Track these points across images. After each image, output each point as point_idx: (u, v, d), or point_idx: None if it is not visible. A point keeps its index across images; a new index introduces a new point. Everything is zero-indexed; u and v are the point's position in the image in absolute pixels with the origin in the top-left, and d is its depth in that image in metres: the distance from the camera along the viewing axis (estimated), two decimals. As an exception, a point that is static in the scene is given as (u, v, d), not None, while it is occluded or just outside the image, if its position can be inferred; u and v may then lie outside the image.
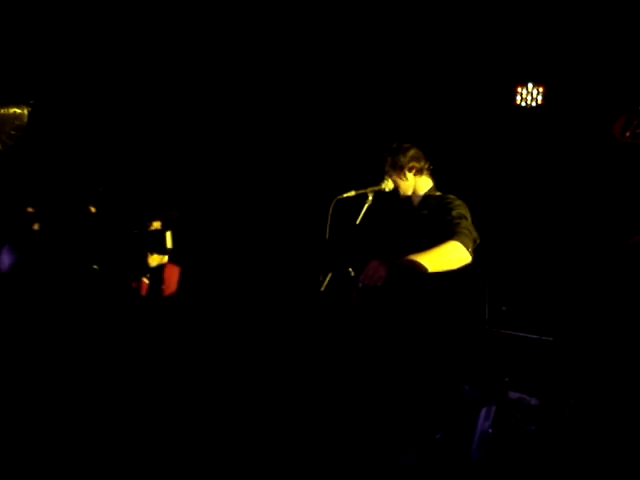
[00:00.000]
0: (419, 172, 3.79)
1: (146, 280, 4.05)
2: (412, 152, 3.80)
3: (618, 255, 5.22)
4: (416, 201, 3.80)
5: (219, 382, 3.39)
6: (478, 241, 3.44)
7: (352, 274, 3.49)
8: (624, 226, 5.83)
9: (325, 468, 3.18)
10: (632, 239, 4.52)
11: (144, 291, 4.08)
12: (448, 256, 3.28)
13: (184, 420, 3.18)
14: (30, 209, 3.46)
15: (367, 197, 3.72)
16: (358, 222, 3.68)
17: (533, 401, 4.27)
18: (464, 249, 3.29)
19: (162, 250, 3.46)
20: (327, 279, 3.52)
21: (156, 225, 3.70)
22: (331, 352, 3.43)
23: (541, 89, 6.31)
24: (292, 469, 3.14)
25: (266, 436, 3.20)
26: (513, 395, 4.36)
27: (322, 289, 3.50)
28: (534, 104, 6.31)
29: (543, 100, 6.33)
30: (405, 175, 3.76)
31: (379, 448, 3.25)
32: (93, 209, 3.50)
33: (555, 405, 4.30)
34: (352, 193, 3.66)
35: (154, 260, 3.96)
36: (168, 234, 3.42)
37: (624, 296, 4.99)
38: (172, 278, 4.34)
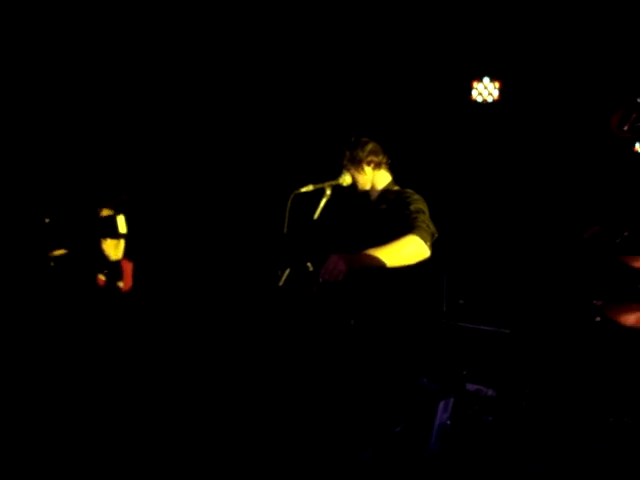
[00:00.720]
0: (377, 166, 3.79)
1: (102, 277, 3.97)
2: (370, 146, 3.80)
3: (572, 248, 5.30)
4: (374, 195, 3.81)
5: (177, 375, 3.36)
6: (436, 235, 3.46)
7: (311, 269, 3.48)
8: (579, 219, 5.94)
9: (285, 461, 3.18)
10: (586, 232, 4.59)
11: (102, 287, 4.00)
12: (406, 250, 3.30)
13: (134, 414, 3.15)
14: None
15: (325, 191, 3.71)
16: (316, 217, 3.67)
17: (490, 392, 4.31)
18: (422, 243, 3.31)
19: (115, 234, 3.39)
20: (285, 274, 3.50)
21: (107, 212, 3.64)
22: (290, 347, 3.42)
23: (497, 84, 6.37)
24: (250, 462, 3.12)
25: (221, 424, 3.19)
26: (471, 387, 4.40)
27: (280, 284, 3.49)
28: (490, 99, 6.37)
29: (499, 95, 6.39)
30: (363, 169, 3.76)
31: (339, 442, 3.26)
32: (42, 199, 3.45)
33: (512, 396, 4.35)
34: (310, 187, 3.65)
35: (109, 248, 3.84)
36: (120, 218, 3.36)
37: (578, 288, 5.07)
38: (128, 274, 4.27)
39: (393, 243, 3.28)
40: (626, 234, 4.40)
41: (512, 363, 4.61)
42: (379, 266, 3.24)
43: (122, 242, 3.87)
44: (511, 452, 3.96)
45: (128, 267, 4.30)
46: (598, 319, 4.46)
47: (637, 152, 6.68)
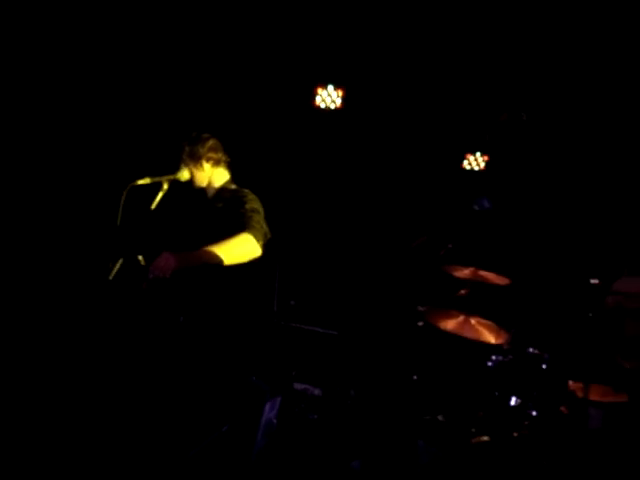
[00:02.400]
0: (216, 163, 3.78)
1: None
2: (211, 143, 3.78)
3: (400, 256, 5.56)
4: (211, 193, 3.79)
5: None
6: (269, 235, 3.51)
7: (142, 263, 3.42)
8: (407, 229, 6.24)
9: (110, 460, 3.11)
10: (413, 242, 4.84)
11: None
12: (239, 249, 3.32)
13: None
14: None
15: (162, 185, 3.65)
16: (151, 210, 3.60)
17: (317, 391, 4.42)
18: (255, 242, 3.35)
19: None
20: (116, 267, 3.41)
21: None
22: (118, 342, 3.35)
23: (341, 92, 6.52)
24: (74, 460, 3.04)
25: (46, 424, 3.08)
26: (298, 386, 4.49)
27: (110, 277, 3.39)
28: (333, 106, 6.51)
29: (342, 103, 6.54)
30: (202, 165, 3.73)
31: (165, 440, 3.23)
32: None
33: (337, 395, 4.49)
34: (147, 180, 3.57)
35: None
36: None
37: (403, 294, 5.33)
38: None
39: (226, 241, 3.29)
40: (450, 246, 4.69)
41: (339, 364, 4.75)
42: (211, 264, 3.25)
43: None
44: (334, 449, 4.08)
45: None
46: (421, 324, 4.71)
47: (464, 169, 7.13)
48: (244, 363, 3.63)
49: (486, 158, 7.00)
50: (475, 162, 7.10)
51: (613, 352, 4.39)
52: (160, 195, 3.64)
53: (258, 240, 3.37)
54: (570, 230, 6.44)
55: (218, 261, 3.25)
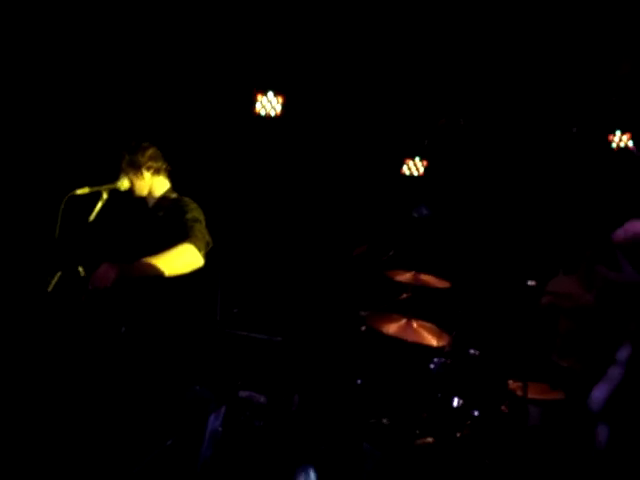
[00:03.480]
0: (157, 172, 3.75)
1: None
2: (151, 151, 3.75)
3: (342, 263, 5.61)
4: (151, 202, 3.76)
5: None
6: (211, 245, 3.50)
7: (82, 274, 3.36)
8: (349, 237, 6.30)
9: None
10: (355, 251, 4.89)
11: None
12: (181, 259, 3.31)
13: None
14: None
15: (102, 195, 3.60)
16: (91, 220, 3.55)
17: (262, 399, 4.41)
18: (197, 252, 3.34)
19: None
20: (55, 279, 3.35)
21: None
22: (58, 355, 3.29)
23: (281, 99, 6.54)
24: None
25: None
26: (243, 393, 4.47)
27: (49, 289, 3.33)
28: (273, 113, 6.53)
29: (282, 110, 6.56)
30: (142, 174, 3.70)
31: (108, 456, 3.19)
32: None
33: (282, 402, 4.49)
34: (86, 190, 3.52)
35: None
36: None
37: (346, 300, 5.38)
38: None
39: (168, 252, 3.27)
40: (391, 253, 4.75)
41: (283, 370, 4.76)
42: (153, 275, 3.22)
43: None
44: (280, 455, 4.08)
45: None
46: (363, 328, 4.76)
47: (404, 174, 7.23)
48: (188, 373, 3.61)
49: (425, 163, 7.12)
50: (414, 167, 7.22)
51: (549, 351, 4.53)
52: (99, 205, 3.60)
53: (200, 250, 3.36)
54: (507, 233, 6.61)
55: (159, 272, 3.23)
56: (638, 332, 2.32)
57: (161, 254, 3.25)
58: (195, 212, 3.57)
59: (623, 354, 2.36)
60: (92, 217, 3.58)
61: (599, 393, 2.43)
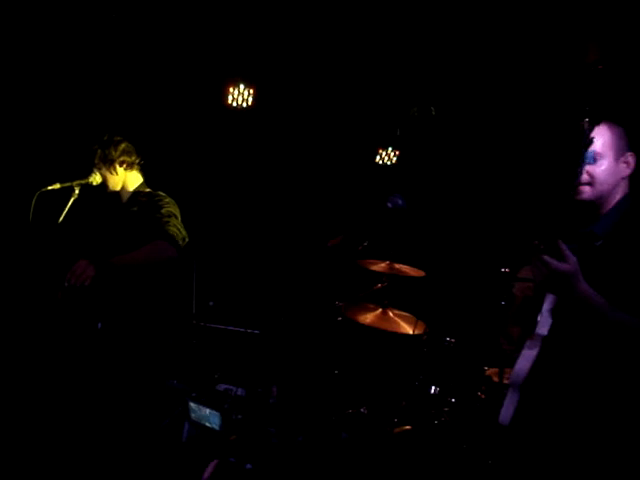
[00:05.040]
0: (130, 167, 3.73)
1: None
2: (123, 146, 3.72)
3: (317, 254, 5.61)
4: (125, 197, 3.74)
5: None
6: (187, 240, 3.50)
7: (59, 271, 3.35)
8: (324, 228, 6.31)
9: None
10: (330, 241, 4.90)
11: None
12: (156, 255, 3.31)
13: None
14: None
15: (74, 190, 3.57)
16: (63, 216, 3.51)
17: (240, 391, 4.41)
18: (172, 249, 3.34)
19: None
20: (30, 276, 3.33)
21: None
22: (36, 351, 3.28)
23: (252, 90, 6.51)
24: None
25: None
26: (221, 387, 4.47)
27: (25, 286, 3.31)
28: (245, 105, 6.50)
29: (254, 101, 6.54)
30: (116, 169, 3.68)
31: (88, 448, 3.18)
32: None
33: (260, 394, 4.50)
34: (57, 186, 3.49)
35: None
36: None
37: (322, 291, 5.39)
38: None
39: (143, 249, 3.27)
40: (366, 243, 4.77)
41: (260, 362, 4.76)
42: (129, 271, 3.22)
43: None
44: (259, 447, 4.09)
45: None
46: (340, 319, 4.77)
47: (377, 164, 7.25)
48: (165, 367, 3.61)
49: (398, 152, 7.15)
50: (387, 157, 7.24)
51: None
52: (71, 200, 3.56)
53: (175, 246, 3.36)
54: (480, 221, 6.66)
55: (136, 268, 3.22)
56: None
57: (137, 251, 3.25)
58: (170, 207, 3.56)
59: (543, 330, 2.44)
60: (64, 213, 3.55)
61: (520, 366, 2.51)
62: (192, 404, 3.54)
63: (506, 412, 2.50)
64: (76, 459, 3.16)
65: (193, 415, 3.54)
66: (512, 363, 2.53)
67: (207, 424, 3.59)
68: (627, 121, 2.57)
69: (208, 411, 3.58)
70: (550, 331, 2.43)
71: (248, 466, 3.70)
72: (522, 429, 2.47)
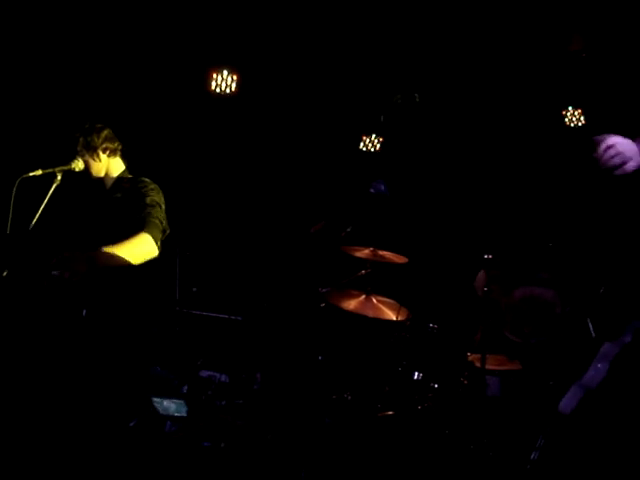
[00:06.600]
0: (113, 153, 3.71)
1: None
2: (106, 132, 3.70)
3: (300, 241, 5.63)
4: (109, 183, 3.72)
5: None
6: (168, 231, 3.53)
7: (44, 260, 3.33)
8: (307, 211, 6.32)
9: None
10: (313, 227, 4.91)
11: None
12: (137, 249, 3.34)
13: None
14: None
15: (56, 177, 3.54)
16: (45, 203, 3.49)
17: (223, 378, 4.42)
18: (153, 243, 3.37)
19: None
20: (11, 264, 3.30)
21: None
22: (20, 340, 3.27)
23: (235, 76, 6.48)
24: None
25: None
26: (204, 373, 4.48)
27: (4, 275, 3.28)
28: (228, 91, 6.47)
29: (237, 88, 6.51)
30: (99, 156, 3.65)
31: (73, 437, 3.18)
32: None
33: (244, 380, 4.51)
34: (39, 172, 3.45)
35: None
36: None
37: (305, 278, 5.41)
38: None
39: (127, 242, 3.29)
40: (348, 229, 4.79)
41: (244, 349, 4.78)
42: (115, 264, 3.24)
43: None
44: (243, 433, 4.10)
45: None
46: (323, 305, 4.79)
47: (361, 150, 7.26)
48: (148, 353, 3.61)
49: (382, 139, 7.16)
50: (371, 144, 7.25)
51: (500, 327, 4.62)
52: (54, 187, 3.53)
53: (156, 240, 3.39)
54: (463, 207, 6.69)
55: (121, 261, 3.24)
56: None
57: (120, 244, 3.27)
58: (154, 195, 3.55)
59: (610, 350, 2.48)
60: (46, 199, 3.51)
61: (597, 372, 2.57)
62: (155, 399, 3.54)
63: (568, 403, 2.55)
64: (58, 449, 3.15)
65: (161, 409, 3.54)
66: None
67: (176, 414, 3.59)
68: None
69: (172, 401, 3.59)
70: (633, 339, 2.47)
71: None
72: (584, 422, 2.54)
